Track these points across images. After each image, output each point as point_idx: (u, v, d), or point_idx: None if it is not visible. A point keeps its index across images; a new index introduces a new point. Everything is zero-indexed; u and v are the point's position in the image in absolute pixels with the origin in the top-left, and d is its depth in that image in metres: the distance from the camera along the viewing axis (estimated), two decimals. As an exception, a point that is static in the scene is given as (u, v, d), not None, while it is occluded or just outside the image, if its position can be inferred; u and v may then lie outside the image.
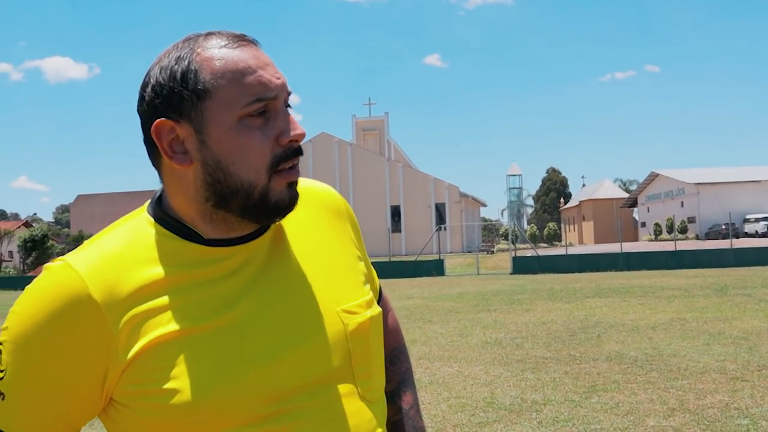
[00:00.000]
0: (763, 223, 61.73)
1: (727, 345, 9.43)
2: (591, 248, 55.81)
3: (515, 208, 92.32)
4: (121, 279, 1.02)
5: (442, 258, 33.98)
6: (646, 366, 8.20)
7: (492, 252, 57.75)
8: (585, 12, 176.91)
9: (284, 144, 1.07)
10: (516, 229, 51.79)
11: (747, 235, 62.40)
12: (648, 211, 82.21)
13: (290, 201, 1.10)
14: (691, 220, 69.60)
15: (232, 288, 1.06)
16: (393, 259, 37.35)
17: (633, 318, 12.81)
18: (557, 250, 49.52)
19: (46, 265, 1.04)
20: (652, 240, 69.52)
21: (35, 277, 1.05)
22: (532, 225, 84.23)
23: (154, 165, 1.12)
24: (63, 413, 1.00)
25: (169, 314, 1.01)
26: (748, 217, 64.70)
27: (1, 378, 0.99)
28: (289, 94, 1.10)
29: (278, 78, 1.07)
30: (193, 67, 1.04)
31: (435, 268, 32.16)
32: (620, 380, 7.50)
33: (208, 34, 1.08)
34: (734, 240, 39.37)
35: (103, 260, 1.03)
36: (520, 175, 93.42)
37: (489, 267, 36.88)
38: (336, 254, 1.21)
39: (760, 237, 58.97)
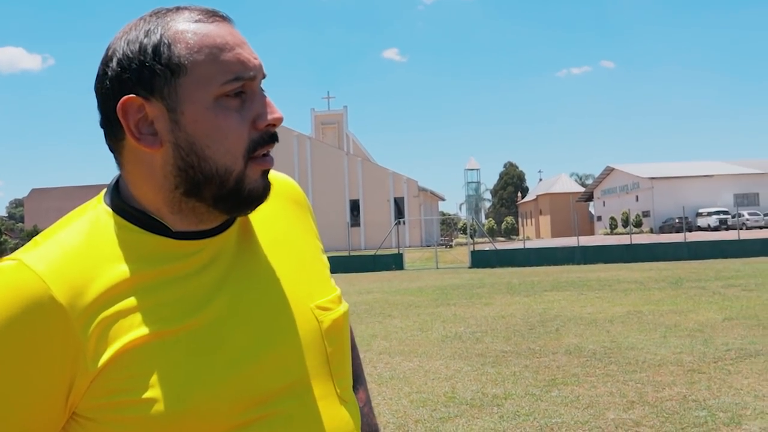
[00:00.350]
0: (715, 217, 62.87)
1: (683, 337, 9.55)
2: (548, 242, 56.39)
3: (473, 203, 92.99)
4: (87, 279, 0.91)
5: (401, 252, 34.03)
6: (605, 359, 8.27)
7: (451, 246, 57.95)
8: (542, 8, 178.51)
9: (261, 128, 0.99)
10: (474, 223, 52.04)
11: (700, 228, 63.49)
12: (604, 205, 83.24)
13: (264, 191, 1.02)
14: (646, 214, 70.60)
15: (203, 285, 0.98)
16: (352, 253, 37.27)
17: (591, 311, 12.94)
18: (515, 244, 49.95)
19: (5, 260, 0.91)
20: (607, 234, 70.39)
21: None
22: (490, 219, 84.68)
23: (111, 149, 1.01)
24: None
25: (139, 316, 0.91)
26: (700, 211, 65.83)
27: None
28: (264, 76, 1.02)
29: (255, 58, 1.00)
30: (165, 41, 0.95)
31: (394, 263, 32.20)
32: (580, 373, 7.55)
33: (178, 8, 0.99)
34: (687, 233, 39.96)
35: (65, 258, 0.91)
36: (478, 170, 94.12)
37: (448, 261, 37.00)
38: (303, 247, 1.15)
39: (712, 230, 60.07)
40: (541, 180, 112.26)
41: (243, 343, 0.98)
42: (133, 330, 0.91)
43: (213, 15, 0.99)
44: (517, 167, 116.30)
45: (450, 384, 7.39)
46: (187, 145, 0.96)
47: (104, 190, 1.03)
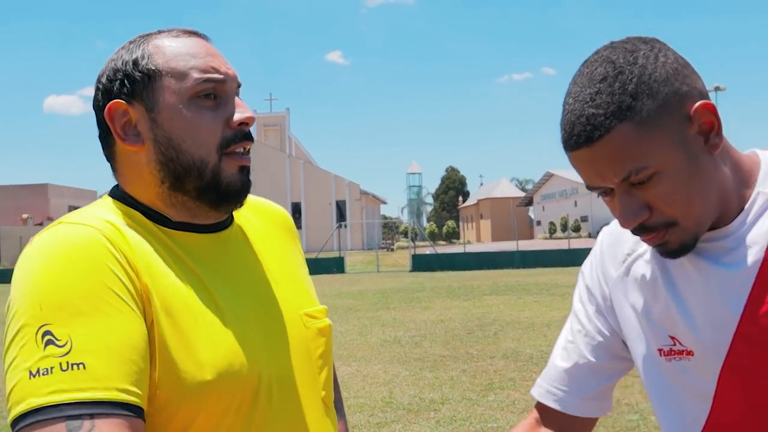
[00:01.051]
0: (650, 221, 64.37)
1: (617, 341, 9.70)
2: (488, 246, 56.95)
3: (415, 206, 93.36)
4: (123, 243, 1.03)
5: (342, 255, 34.00)
6: (542, 363, 8.35)
7: (392, 249, 58.11)
8: (485, 15, 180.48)
9: (234, 126, 1.12)
10: (415, 226, 52.28)
11: (636, 233, 64.90)
12: (543, 209, 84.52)
13: (242, 185, 1.14)
14: (584, 219, 71.86)
15: (209, 277, 1.10)
16: (293, 256, 37.00)
17: (528, 315, 13.07)
18: (456, 248, 50.29)
19: (47, 228, 1.04)
20: (546, 238, 71.48)
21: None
22: (432, 223, 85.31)
23: (108, 158, 1.16)
24: (138, 366, 0.96)
25: (167, 292, 1.04)
26: (637, 216, 67.31)
27: (68, 350, 0.92)
28: (239, 85, 1.16)
29: (228, 68, 1.15)
30: (145, 53, 1.11)
31: (335, 266, 32.13)
32: (516, 378, 7.61)
33: (161, 31, 1.15)
34: (624, 238, 40.73)
35: (104, 223, 1.05)
36: (419, 174, 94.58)
37: (389, 264, 37.09)
38: (293, 265, 1.29)
39: (648, 235, 61.45)
40: (482, 184, 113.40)
41: (241, 332, 1.08)
42: (164, 303, 1.03)
43: (190, 32, 1.16)
44: (459, 171, 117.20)
45: (388, 389, 7.38)
46: (165, 140, 1.09)
47: (105, 195, 1.18)
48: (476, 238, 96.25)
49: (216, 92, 1.11)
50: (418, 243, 49.27)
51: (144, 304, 1.01)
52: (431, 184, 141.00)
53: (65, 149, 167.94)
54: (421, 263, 31.89)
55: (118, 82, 1.10)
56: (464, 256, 32.53)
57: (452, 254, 33.80)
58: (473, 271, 29.00)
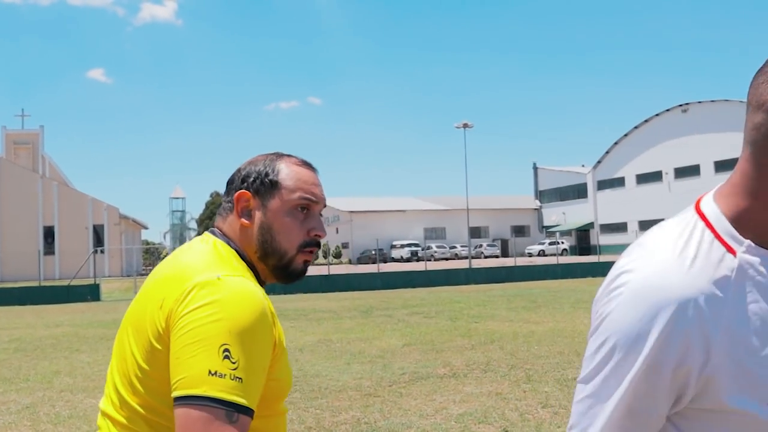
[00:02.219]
0: (407, 249, 67.38)
1: (365, 363, 10.17)
2: (252, 272, 56.68)
3: (178, 231, 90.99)
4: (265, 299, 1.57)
5: (98, 282, 32.45)
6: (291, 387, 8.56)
7: (152, 276, 56.30)
8: (252, 42, 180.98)
9: (311, 235, 1.69)
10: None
11: (394, 260, 67.60)
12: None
13: (302, 271, 1.71)
14: (345, 245, 73.81)
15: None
16: (44, 283, 35.05)
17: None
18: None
19: (216, 275, 1.48)
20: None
21: None
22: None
23: (224, 209, 1.74)
24: (262, 387, 1.46)
25: (279, 326, 1.59)
26: (394, 243, 70.19)
27: (236, 367, 1.38)
28: (324, 206, 1.75)
29: (323, 195, 1.72)
30: (275, 169, 1.69)
31: (90, 293, 30.64)
32: (265, 402, 7.75)
33: (289, 155, 1.75)
34: (382, 264, 42.36)
35: (247, 276, 1.58)
36: (183, 198, 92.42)
37: (148, 291, 35.85)
38: None
39: (405, 261, 64.22)
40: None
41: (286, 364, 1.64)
42: (280, 330, 1.61)
43: (306, 164, 1.75)
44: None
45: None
46: (267, 227, 1.66)
47: (209, 231, 1.72)
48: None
49: (308, 209, 1.68)
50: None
51: (275, 340, 1.52)
52: (195, 209, 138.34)
53: None
54: (181, 290, 31.15)
55: (252, 179, 1.68)
56: (226, 282, 32.21)
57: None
58: (235, 298, 28.78)
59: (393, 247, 69.75)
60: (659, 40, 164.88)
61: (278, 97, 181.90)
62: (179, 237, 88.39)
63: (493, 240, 77.38)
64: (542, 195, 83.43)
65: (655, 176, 68.41)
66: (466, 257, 61.65)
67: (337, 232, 75.84)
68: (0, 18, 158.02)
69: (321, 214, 1.75)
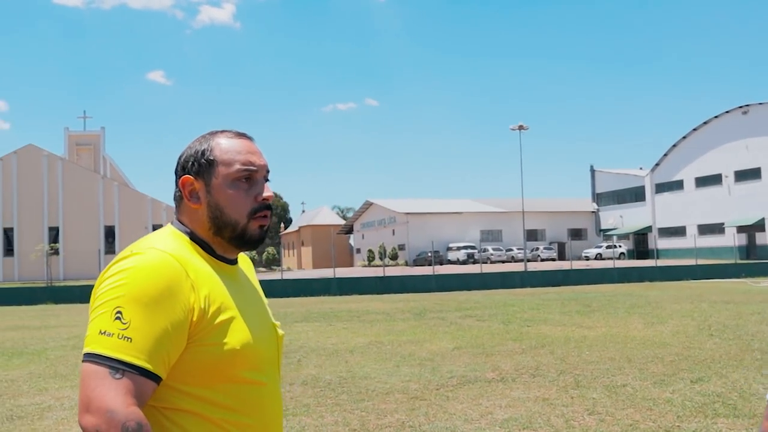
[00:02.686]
0: (463, 251, 67.07)
1: (414, 366, 10.17)
2: (307, 273, 57.18)
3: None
4: (190, 265, 1.63)
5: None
6: (338, 389, 8.62)
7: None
8: (310, 43, 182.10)
9: (258, 200, 1.75)
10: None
11: (450, 262, 67.41)
12: (363, 237, 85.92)
13: (259, 236, 1.77)
14: (401, 247, 73.78)
15: (234, 289, 1.73)
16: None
17: (334, 342, 13.37)
18: (275, 275, 50.14)
19: (139, 249, 1.60)
20: (365, 266, 72.66)
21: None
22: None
23: (175, 202, 1.79)
24: (168, 352, 1.53)
25: (215, 295, 1.64)
26: (450, 245, 69.95)
27: (126, 328, 1.49)
28: (268, 172, 1.81)
29: (261, 161, 1.78)
30: (209, 148, 1.76)
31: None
32: (311, 404, 7.81)
33: (223, 131, 1.81)
34: (437, 267, 42.32)
35: (177, 251, 1.64)
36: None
37: (205, 291, 36.38)
38: (261, 291, 1.96)
39: (461, 264, 63.98)
40: (303, 212, 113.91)
41: (254, 324, 1.72)
42: (214, 303, 1.63)
43: (240, 135, 1.81)
44: (281, 198, 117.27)
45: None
46: (214, 205, 1.73)
47: (170, 223, 1.80)
48: (297, 265, 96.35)
49: (250, 177, 1.74)
50: (236, 269, 48.39)
51: (194, 307, 1.58)
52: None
53: None
54: (237, 290, 31.52)
55: (190, 163, 1.75)
56: (281, 282, 32.57)
57: (269, 281, 33.72)
58: (290, 298, 29.12)
59: (449, 249, 69.54)
60: (718, 40, 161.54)
61: (336, 99, 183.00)
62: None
63: (550, 243, 76.59)
64: (600, 198, 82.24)
65: (715, 179, 66.80)
66: (522, 260, 61.20)
67: (393, 233, 75.91)
68: (63, 21, 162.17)
69: (267, 179, 1.80)
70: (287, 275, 45.60)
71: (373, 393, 8.30)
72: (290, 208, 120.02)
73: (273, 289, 31.20)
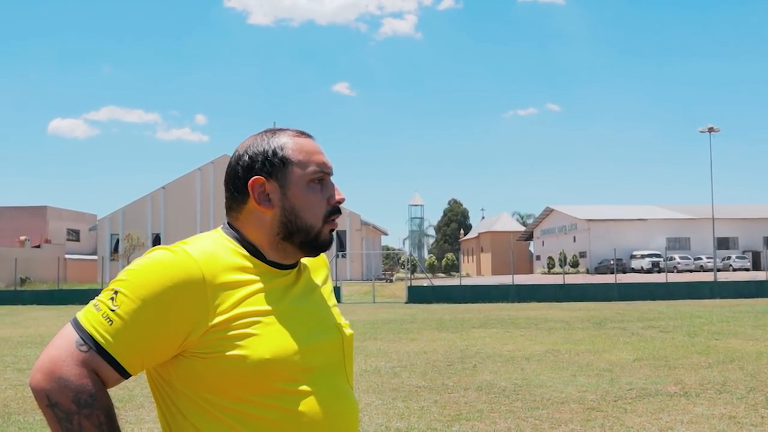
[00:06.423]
0: (648, 259, 64.43)
1: (591, 376, 9.93)
2: (486, 279, 57.02)
3: (416, 238, 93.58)
4: (218, 269, 1.52)
5: (339, 285, 34.16)
6: (512, 396, 8.57)
7: (391, 281, 58.18)
8: (490, 50, 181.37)
9: (332, 203, 1.66)
10: (413, 258, 52.28)
11: (634, 270, 64.97)
12: (543, 244, 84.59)
13: (330, 241, 1.68)
14: (583, 254, 71.94)
15: (282, 295, 1.60)
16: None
17: (511, 349, 13.28)
18: (454, 281, 50.44)
19: (172, 246, 1.52)
20: (545, 273, 71.46)
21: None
22: (431, 255, 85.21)
23: (231, 208, 1.65)
24: (146, 351, 1.46)
25: (245, 304, 1.51)
26: (634, 253, 67.41)
27: (114, 310, 1.44)
28: (332, 173, 1.70)
29: (330, 162, 1.69)
30: (279, 146, 1.63)
31: (331, 296, 32.22)
32: (485, 409, 7.82)
33: (282, 129, 1.69)
34: (620, 275, 40.91)
35: (206, 254, 1.53)
36: (422, 206, 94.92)
37: (385, 295, 37.21)
38: (329, 291, 1.82)
39: (645, 272, 61.49)
40: (483, 218, 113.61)
41: (302, 331, 1.58)
42: (244, 307, 1.51)
43: (303, 133, 1.69)
44: (461, 204, 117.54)
45: (359, 417, 7.57)
46: (290, 209, 1.61)
47: (221, 227, 1.67)
48: (476, 271, 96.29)
49: (322, 179, 1.64)
50: (416, 275, 49.24)
51: (201, 317, 1.47)
52: (433, 217, 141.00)
53: (67, 172, 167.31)
54: (417, 295, 32.06)
55: (260, 163, 1.61)
56: (460, 288, 32.70)
57: (448, 286, 33.96)
58: (468, 304, 29.19)
59: (633, 257, 67.05)
60: None
61: (516, 105, 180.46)
62: (417, 243, 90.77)
63: (743, 252, 72.01)
64: (800, 204, 76.50)
65: None
66: (711, 270, 57.99)
67: (574, 240, 74.19)
68: (257, 40, 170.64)
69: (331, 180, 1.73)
70: (466, 281, 45.71)
71: (548, 401, 8.20)
72: (470, 214, 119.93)
73: (451, 295, 31.42)
